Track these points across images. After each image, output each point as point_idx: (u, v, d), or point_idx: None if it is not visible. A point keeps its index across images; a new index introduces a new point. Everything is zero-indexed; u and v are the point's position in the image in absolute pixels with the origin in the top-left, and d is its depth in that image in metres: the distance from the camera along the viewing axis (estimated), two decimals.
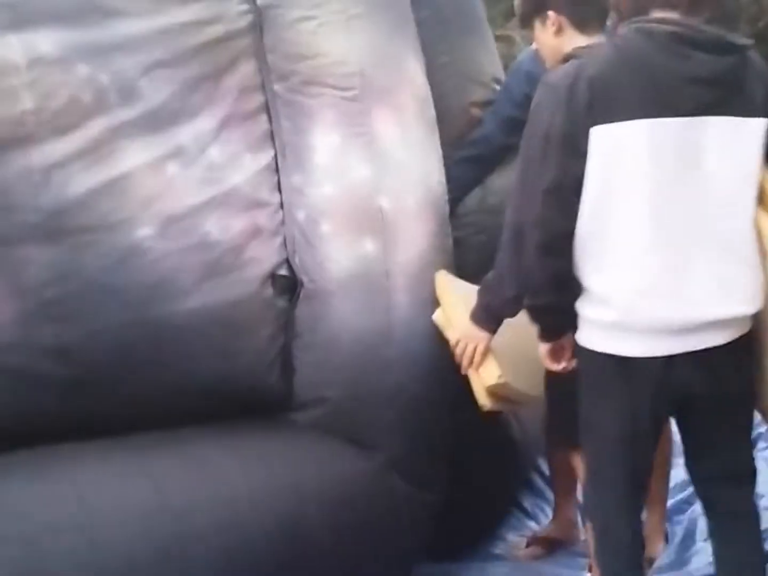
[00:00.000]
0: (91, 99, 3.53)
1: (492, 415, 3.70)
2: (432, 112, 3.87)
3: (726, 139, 3.03)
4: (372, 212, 3.70)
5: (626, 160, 3.01)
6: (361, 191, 3.70)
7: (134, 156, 3.58)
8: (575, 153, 3.01)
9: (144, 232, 3.57)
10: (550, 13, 3.53)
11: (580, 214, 3.06)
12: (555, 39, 3.56)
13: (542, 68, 3.71)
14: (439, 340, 3.68)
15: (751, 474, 3.31)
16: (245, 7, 3.79)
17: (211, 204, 3.68)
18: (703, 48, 3.02)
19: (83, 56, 3.54)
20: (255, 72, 3.79)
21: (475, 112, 4.30)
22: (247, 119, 3.78)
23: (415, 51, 3.89)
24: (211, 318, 3.67)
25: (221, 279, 3.69)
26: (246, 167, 3.75)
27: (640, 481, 3.25)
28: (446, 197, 3.86)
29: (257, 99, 3.79)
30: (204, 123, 3.70)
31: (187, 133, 3.67)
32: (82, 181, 3.50)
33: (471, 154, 4.24)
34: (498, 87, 4.38)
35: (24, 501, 3.26)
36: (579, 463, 3.62)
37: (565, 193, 3.05)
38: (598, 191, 3.03)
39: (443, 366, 3.70)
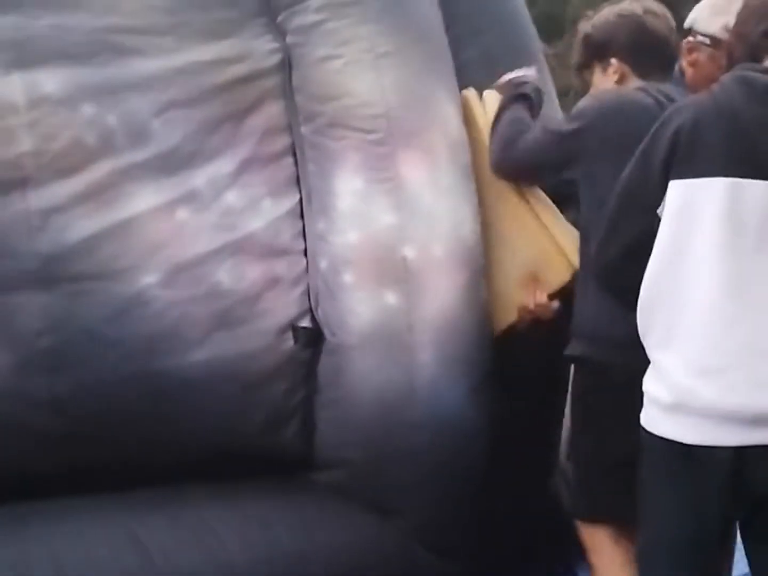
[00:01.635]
0: (96, 141, 3.38)
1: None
2: (467, 157, 3.58)
3: None
4: (395, 262, 3.43)
5: (701, 223, 2.68)
6: (385, 240, 3.44)
7: (141, 200, 3.41)
8: (639, 206, 2.80)
9: (148, 280, 3.39)
10: (614, 60, 3.45)
11: (646, 276, 2.77)
12: (615, 86, 3.46)
13: None
14: (467, 403, 3.44)
15: None
16: (275, 45, 3.58)
17: (224, 251, 3.47)
18: None
19: (89, 96, 3.39)
20: (282, 112, 3.58)
21: None
22: (270, 162, 3.57)
23: (450, 91, 3.61)
24: (220, 371, 3.47)
25: (233, 330, 3.48)
26: (266, 213, 3.54)
27: None
28: (480, 248, 3.54)
29: (283, 141, 3.58)
30: (222, 166, 3.51)
31: (202, 177, 3.48)
32: (83, 226, 3.35)
33: None
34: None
35: None
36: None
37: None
38: (669, 254, 2.73)
39: (472, 431, 3.48)
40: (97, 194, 3.37)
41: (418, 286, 3.43)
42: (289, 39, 3.56)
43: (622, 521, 3.15)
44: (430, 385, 3.44)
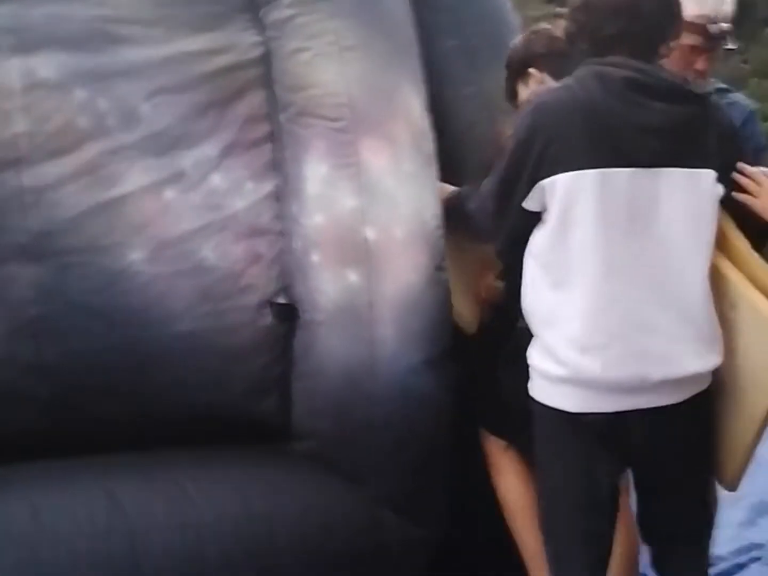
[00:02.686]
0: (88, 123, 3.52)
1: None
2: (430, 146, 3.71)
3: (679, 191, 2.93)
4: (357, 243, 3.57)
5: (577, 213, 2.90)
6: (347, 222, 3.58)
7: (131, 180, 3.55)
8: (510, 199, 3.03)
9: (135, 256, 3.53)
10: (532, 70, 3.62)
11: (532, 264, 3.01)
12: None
13: None
14: (426, 376, 3.58)
15: (703, 538, 3.10)
16: (258, 38, 3.73)
17: (209, 229, 3.62)
18: (659, 96, 2.93)
19: (82, 81, 3.53)
20: (262, 102, 3.73)
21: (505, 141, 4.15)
22: (251, 148, 3.72)
23: (414, 83, 3.73)
24: (203, 343, 3.61)
25: (216, 305, 3.62)
26: (248, 194, 3.68)
27: (599, 553, 3.06)
28: (440, 231, 3.67)
29: (263, 128, 3.73)
30: (207, 149, 3.65)
31: (188, 159, 3.63)
32: (73, 203, 3.49)
33: None
34: None
35: None
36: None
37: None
38: (551, 243, 2.95)
39: (431, 402, 3.61)
40: (88, 173, 3.51)
41: (378, 265, 3.57)
42: (267, 33, 3.72)
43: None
44: (390, 359, 3.57)
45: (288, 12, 3.66)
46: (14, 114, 3.46)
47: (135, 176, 3.56)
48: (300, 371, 3.67)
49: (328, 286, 3.59)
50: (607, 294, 2.91)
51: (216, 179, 3.66)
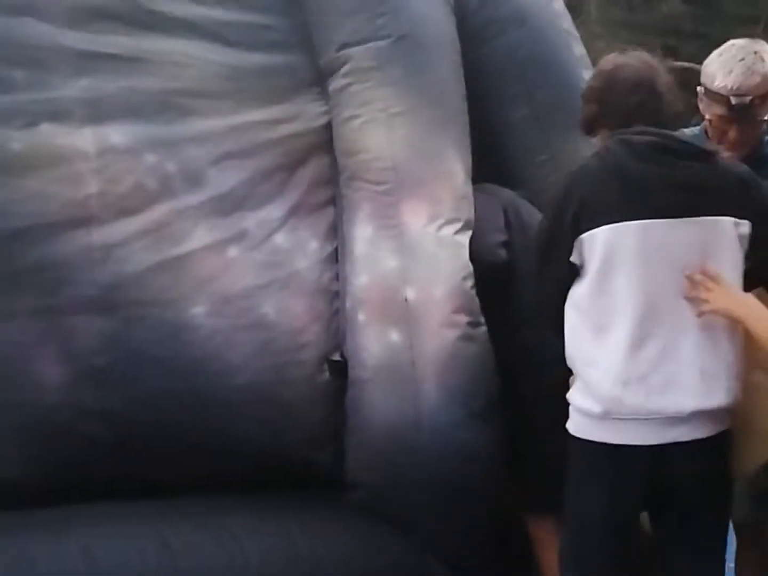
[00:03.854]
0: (156, 185, 3.70)
1: None
2: (471, 211, 3.81)
3: (705, 238, 3.16)
4: (398, 303, 3.67)
5: (618, 260, 3.13)
6: (389, 282, 3.69)
7: (195, 238, 3.71)
8: (556, 258, 3.22)
9: (197, 310, 3.68)
10: None
11: (572, 311, 3.20)
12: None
13: None
14: (469, 428, 3.64)
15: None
16: (324, 108, 3.91)
17: (270, 287, 3.76)
18: (680, 156, 3.18)
19: (152, 147, 3.72)
20: (326, 167, 3.89)
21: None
22: (315, 210, 3.88)
23: (459, 149, 3.83)
24: (261, 396, 3.73)
25: (275, 359, 3.75)
26: (311, 255, 3.84)
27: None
28: (474, 290, 3.74)
29: (327, 192, 3.89)
30: (272, 211, 3.81)
31: (252, 219, 3.79)
32: (140, 260, 3.65)
33: None
34: None
35: (32, 551, 3.38)
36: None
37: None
38: (592, 290, 3.15)
39: (475, 454, 3.66)
40: (155, 232, 3.68)
41: (418, 324, 3.66)
42: (330, 102, 3.89)
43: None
44: (433, 414, 3.64)
45: (344, 81, 3.83)
46: (87, 176, 3.65)
47: (199, 235, 3.73)
48: (351, 425, 3.76)
49: (372, 344, 3.69)
50: (647, 331, 3.10)
51: (279, 239, 3.81)
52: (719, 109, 3.60)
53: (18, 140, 3.59)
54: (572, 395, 3.24)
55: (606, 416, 3.12)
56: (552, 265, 3.25)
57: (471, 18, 4.20)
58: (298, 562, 3.55)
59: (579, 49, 4.63)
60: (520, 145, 4.19)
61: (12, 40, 3.71)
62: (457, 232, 3.74)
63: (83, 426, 3.61)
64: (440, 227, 3.72)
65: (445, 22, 4.04)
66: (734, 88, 3.57)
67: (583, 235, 3.16)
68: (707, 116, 3.65)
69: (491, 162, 4.11)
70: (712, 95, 3.58)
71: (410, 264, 3.68)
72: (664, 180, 3.14)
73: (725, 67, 3.59)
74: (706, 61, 3.68)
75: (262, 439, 3.75)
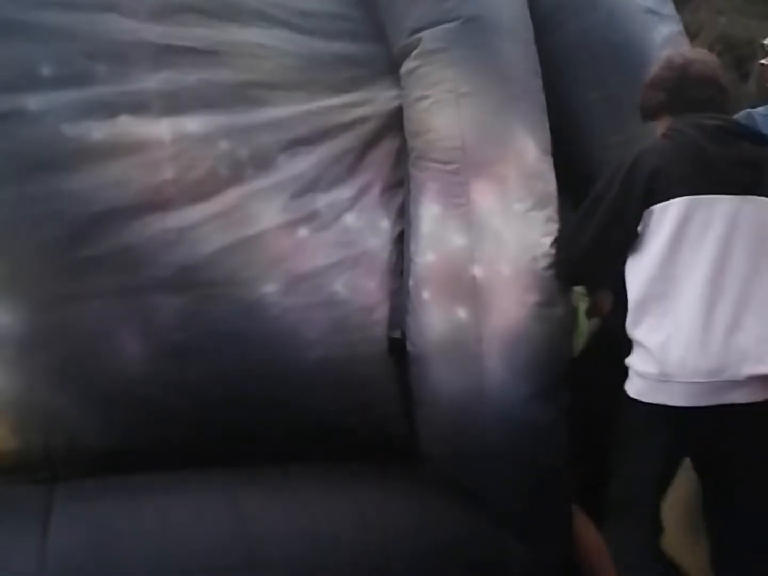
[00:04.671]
0: (229, 171, 3.85)
1: None
2: (546, 188, 3.83)
3: (764, 215, 3.38)
4: (465, 281, 3.73)
5: (688, 233, 3.33)
6: (457, 260, 3.74)
7: (267, 220, 3.85)
8: (621, 225, 3.42)
9: (269, 288, 3.82)
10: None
11: (638, 278, 3.36)
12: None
13: None
14: (535, 406, 3.71)
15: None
16: (395, 92, 4.02)
17: (341, 265, 3.88)
18: (744, 138, 3.44)
19: (226, 134, 3.86)
20: (398, 148, 4.00)
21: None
22: (386, 191, 3.99)
23: (530, 127, 3.86)
24: (334, 371, 3.86)
25: (348, 336, 3.87)
26: (382, 234, 3.95)
27: (656, 523, 3.39)
28: (549, 270, 3.78)
29: (398, 173, 3.99)
30: (342, 191, 3.94)
31: (323, 200, 3.91)
32: (213, 241, 3.80)
33: None
34: None
35: (111, 513, 3.57)
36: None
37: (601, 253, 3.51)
38: (661, 259, 3.32)
39: (542, 431, 3.72)
40: (227, 214, 3.83)
41: (485, 302, 3.72)
42: (402, 85, 3.99)
43: None
44: (498, 391, 3.69)
45: (413, 63, 3.92)
46: (163, 163, 3.82)
47: (270, 216, 3.86)
48: (418, 400, 3.85)
49: (438, 321, 3.76)
50: (709, 300, 3.30)
51: (350, 219, 3.92)
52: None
53: (98, 130, 3.77)
54: (632, 360, 3.40)
55: (666, 379, 3.28)
56: (615, 230, 3.43)
57: (544, 2, 4.26)
58: (367, 531, 3.64)
59: (666, 29, 4.60)
60: (593, 128, 4.22)
61: (96, 36, 3.88)
62: (527, 211, 3.78)
63: (163, 398, 3.77)
64: (508, 206, 3.76)
65: (517, 4, 4.10)
66: None
67: (655, 207, 3.35)
68: None
69: (565, 144, 4.13)
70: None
71: (478, 242, 3.74)
72: (732, 159, 3.36)
73: None
74: None
75: (336, 413, 3.87)
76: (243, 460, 3.77)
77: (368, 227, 3.93)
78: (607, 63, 4.27)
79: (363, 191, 3.94)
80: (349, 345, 3.87)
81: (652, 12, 4.58)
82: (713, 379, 3.25)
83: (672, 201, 3.33)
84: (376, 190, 3.97)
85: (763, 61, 3.75)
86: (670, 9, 4.77)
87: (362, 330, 3.88)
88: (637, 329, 3.39)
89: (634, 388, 3.39)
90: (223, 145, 3.87)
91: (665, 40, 4.51)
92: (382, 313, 3.90)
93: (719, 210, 3.34)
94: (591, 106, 4.22)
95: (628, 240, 3.42)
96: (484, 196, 3.76)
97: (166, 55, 3.93)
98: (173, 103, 3.89)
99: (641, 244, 3.41)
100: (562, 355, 3.78)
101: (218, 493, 3.65)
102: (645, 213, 3.37)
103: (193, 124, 3.87)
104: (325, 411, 3.87)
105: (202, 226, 3.82)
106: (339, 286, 3.87)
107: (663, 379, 3.30)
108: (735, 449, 3.31)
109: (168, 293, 3.79)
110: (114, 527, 3.49)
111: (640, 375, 3.37)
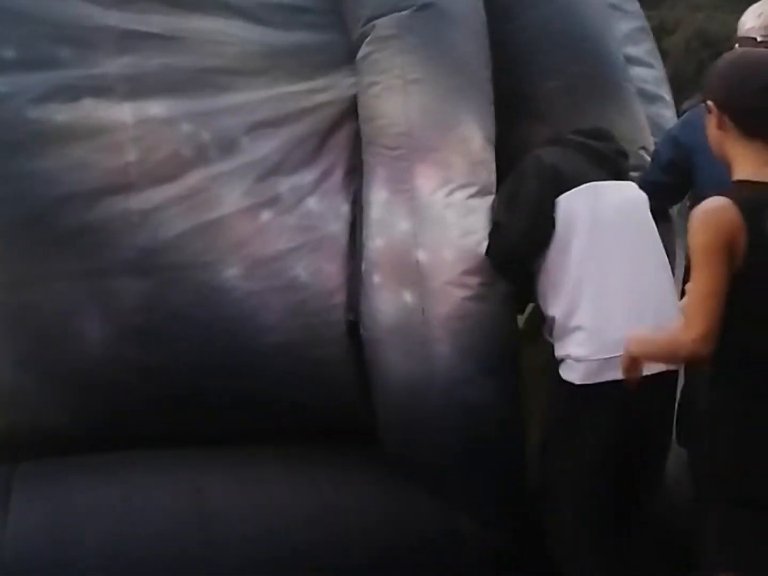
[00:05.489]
0: (192, 153, 3.85)
1: None
2: (488, 177, 3.86)
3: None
4: (410, 265, 3.75)
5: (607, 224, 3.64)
6: (402, 245, 3.76)
7: (229, 203, 3.85)
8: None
9: (231, 272, 3.82)
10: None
11: (569, 263, 3.47)
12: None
13: (690, 135, 3.75)
14: (485, 388, 3.73)
15: None
16: (353, 79, 4.03)
17: (302, 249, 3.89)
18: None
19: (188, 117, 3.86)
20: (357, 134, 4.00)
21: None
22: (346, 175, 3.99)
23: (476, 115, 3.87)
24: (294, 354, 3.87)
25: (307, 319, 3.87)
26: (343, 218, 3.95)
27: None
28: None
29: (357, 158, 3.99)
30: (305, 176, 3.93)
31: (286, 184, 3.91)
32: (176, 225, 3.80)
33: None
34: (645, 154, 4.31)
35: (74, 492, 3.62)
36: None
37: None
38: (586, 249, 3.49)
39: (493, 413, 3.75)
40: (190, 197, 3.83)
41: (429, 285, 3.74)
42: (356, 71, 4.00)
43: None
44: (447, 372, 3.72)
45: (366, 50, 3.93)
46: (126, 145, 3.81)
47: (233, 200, 3.86)
48: (372, 383, 3.86)
49: (386, 305, 3.78)
50: (631, 285, 3.58)
51: (311, 203, 3.92)
52: None
53: (61, 113, 3.77)
54: (569, 350, 3.51)
55: (611, 355, 3.31)
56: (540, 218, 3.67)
57: None
58: (325, 512, 3.69)
59: (627, 25, 4.71)
60: (549, 115, 4.22)
61: (60, 20, 3.89)
62: (470, 197, 3.80)
63: (125, 380, 3.77)
64: (452, 191, 3.78)
65: None
66: (762, 26, 3.66)
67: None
68: None
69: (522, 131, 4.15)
70: (743, 41, 3.64)
71: (422, 227, 3.76)
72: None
73: (755, 12, 3.70)
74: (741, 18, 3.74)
75: (295, 396, 3.88)
76: (203, 441, 3.80)
77: (330, 211, 3.93)
78: (565, 53, 4.28)
79: (325, 175, 3.95)
80: (308, 328, 3.87)
81: (614, 7, 4.65)
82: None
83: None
84: (338, 175, 3.97)
85: None
86: (633, 5, 4.83)
87: (322, 314, 3.89)
88: (573, 315, 3.48)
89: (577, 374, 3.44)
90: (186, 127, 3.87)
91: (625, 35, 4.60)
92: (341, 296, 3.91)
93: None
94: (551, 93, 4.22)
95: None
96: (428, 182, 3.78)
97: (129, 39, 3.93)
98: (136, 87, 3.89)
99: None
100: (506, 332, 3.82)
101: (178, 473, 3.69)
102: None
103: (155, 107, 3.87)
104: (285, 395, 3.88)
105: (165, 209, 3.81)
106: (300, 269, 3.88)
107: (607, 356, 3.33)
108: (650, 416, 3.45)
109: (131, 276, 3.79)
110: (75, 504, 3.53)
111: (581, 360, 3.44)
